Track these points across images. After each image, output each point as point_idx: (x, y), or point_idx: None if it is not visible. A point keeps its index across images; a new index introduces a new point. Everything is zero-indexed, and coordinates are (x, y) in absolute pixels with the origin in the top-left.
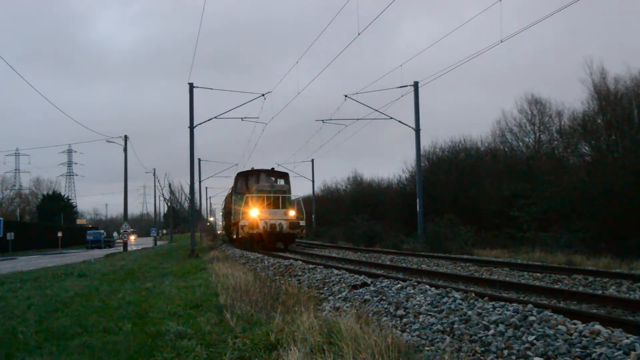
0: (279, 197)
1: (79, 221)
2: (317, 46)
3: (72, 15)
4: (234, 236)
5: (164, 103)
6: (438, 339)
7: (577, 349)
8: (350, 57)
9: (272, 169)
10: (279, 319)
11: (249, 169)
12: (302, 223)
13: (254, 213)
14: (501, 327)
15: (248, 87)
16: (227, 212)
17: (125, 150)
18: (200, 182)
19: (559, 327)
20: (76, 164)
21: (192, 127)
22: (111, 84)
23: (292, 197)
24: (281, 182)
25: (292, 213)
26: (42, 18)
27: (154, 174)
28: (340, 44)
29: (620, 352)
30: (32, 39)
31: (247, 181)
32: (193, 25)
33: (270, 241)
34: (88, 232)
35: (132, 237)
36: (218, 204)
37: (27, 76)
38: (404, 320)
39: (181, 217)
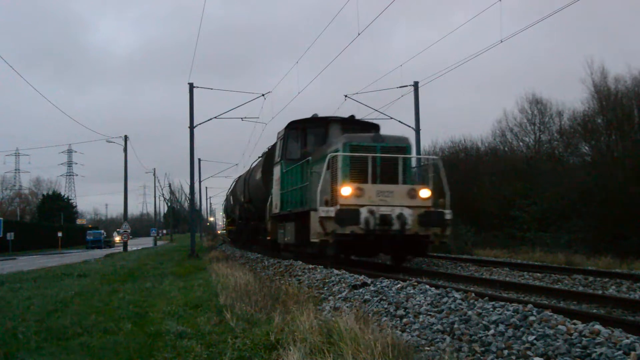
0: (395, 162)
1: (79, 221)
2: (317, 47)
3: (73, 19)
4: (279, 239)
5: (164, 105)
6: (438, 339)
7: (577, 349)
8: (349, 59)
9: (352, 116)
10: (279, 319)
11: (310, 116)
12: (448, 215)
13: (346, 192)
14: (501, 327)
15: (248, 89)
16: (250, 199)
17: (125, 150)
18: (200, 182)
19: (559, 327)
20: (76, 164)
21: (192, 127)
22: (111, 87)
23: (416, 161)
24: None
25: (424, 193)
26: (44, 22)
27: (154, 174)
28: (340, 46)
29: (620, 352)
30: (33, 42)
31: (306, 137)
32: (192, 29)
33: (376, 249)
34: (88, 232)
35: (117, 239)
36: (218, 204)
37: (27, 78)
38: (404, 320)
39: (181, 217)
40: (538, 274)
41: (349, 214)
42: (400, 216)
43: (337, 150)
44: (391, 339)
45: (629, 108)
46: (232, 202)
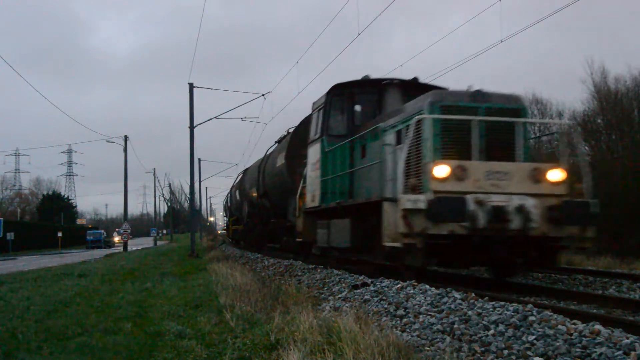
0: (510, 129)
1: (79, 221)
2: (317, 47)
3: (73, 20)
4: (318, 240)
5: (164, 105)
6: (438, 339)
7: (577, 349)
8: (349, 59)
9: (415, 78)
10: (279, 319)
11: (360, 78)
12: (593, 206)
13: (442, 172)
14: (501, 327)
15: (247, 89)
16: (266, 192)
17: (125, 150)
18: (200, 182)
19: (559, 327)
20: (76, 164)
21: (192, 127)
22: (111, 87)
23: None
24: None
25: (555, 175)
26: (44, 23)
27: (154, 174)
28: (340, 46)
29: (620, 352)
30: (33, 43)
31: (355, 105)
32: (192, 29)
33: (482, 257)
34: (88, 232)
35: (117, 239)
36: (218, 204)
37: (28, 78)
38: (404, 320)
39: (181, 217)
40: (538, 274)
41: (449, 205)
42: (522, 209)
43: (420, 113)
44: (391, 339)
45: (629, 108)
46: (238, 198)
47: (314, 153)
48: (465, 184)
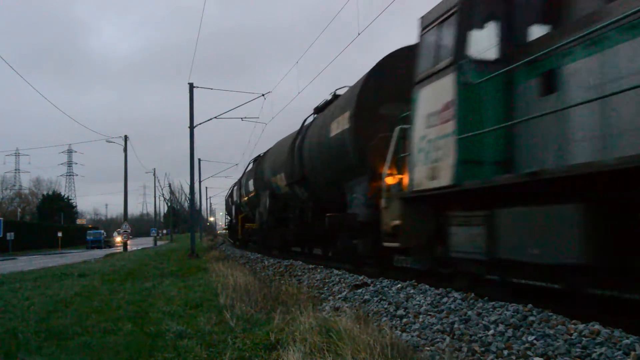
0: None
1: (79, 221)
2: (317, 47)
3: (75, 22)
4: (454, 247)
5: (164, 105)
6: (438, 339)
7: (577, 349)
8: (349, 59)
9: None
10: (279, 319)
11: None
12: None
13: None
14: (501, 327)
15: (247, 89)
16: (304, 177)
17: (125, 150)
18: (200, 182)
19: (559, 327)
20: (76, 164)
21: (192, 127)
22: (112, 88)
23: None
24: None
25: None
26: (45, 24)
27: (154, 174)
28: (340, 46)
29: (620, 352)
30: (35, 44)
31: (509, 9)
32: (192, 30)
33: None
34: (88, 232)
35: (118, 239)
36: (218, 204)
37: (28, 78)
38: (404, 320)
39: (181, 217)
40: None
41: None
42: None
43: None
44: (390, 339)
45: None
46: (251, 190)
47: (434, 95)
48: None
